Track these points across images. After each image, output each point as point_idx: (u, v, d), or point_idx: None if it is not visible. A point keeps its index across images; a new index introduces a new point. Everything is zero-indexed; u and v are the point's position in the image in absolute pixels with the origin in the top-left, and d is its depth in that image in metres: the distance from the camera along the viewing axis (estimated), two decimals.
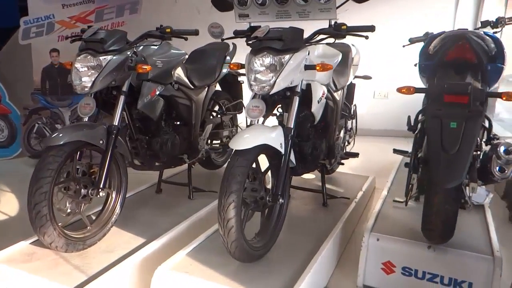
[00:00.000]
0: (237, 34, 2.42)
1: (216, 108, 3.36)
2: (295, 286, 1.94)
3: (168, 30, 2.37)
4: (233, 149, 1.98)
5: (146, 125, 2.64)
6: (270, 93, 2.08)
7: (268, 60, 2.05)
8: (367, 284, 2.34)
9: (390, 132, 5.13)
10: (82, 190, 2.20)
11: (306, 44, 2.15)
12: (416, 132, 2.50)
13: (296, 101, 2.17)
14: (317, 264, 2.18)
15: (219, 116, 3.30)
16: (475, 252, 2.17)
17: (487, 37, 2.02)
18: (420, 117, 2.25)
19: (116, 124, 2.29)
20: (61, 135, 2.08)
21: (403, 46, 2.99)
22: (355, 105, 3.19)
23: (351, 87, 3.16)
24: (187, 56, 2.79)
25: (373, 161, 4.31)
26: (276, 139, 2.05)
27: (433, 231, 2.04)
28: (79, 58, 2.22)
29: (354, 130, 3.32)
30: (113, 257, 2.25)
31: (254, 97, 2.27)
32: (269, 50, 2.06)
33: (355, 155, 2.89)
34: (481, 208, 2.71)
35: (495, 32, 2.56)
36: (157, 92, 2.54)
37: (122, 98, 2.33)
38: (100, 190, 2.23)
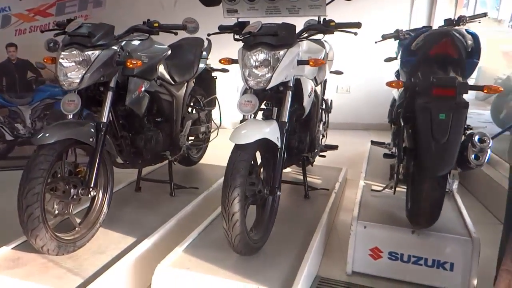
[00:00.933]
0: (223, 29, 2.42)
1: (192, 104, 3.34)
2: (297, 277, 2.00)
3: (156, 24, 2.33)
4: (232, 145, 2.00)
5: (130, 122, 2.57)
6: (266, 88, 2.11)
7: (263, 55, 2.09)
8: (356, 270, 2.45)
9: (351, 125, 5.34)
10: (72, 190, 2.12)
11: (298, 40, 2.21)
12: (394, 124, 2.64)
13: (289, 95, 2.22)
14: (312, 254, 2.25)
15: (195, 112, 3.28)
16: (455, 235, 2.34)
17: (467, 34, 2.17)
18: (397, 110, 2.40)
19: (105, 121, 2.22)
20: (51, 133, 1.98)
21: (375, 42, 3.14)
22: (331, 99, 3.30)
23: (324, 82, 3.27)
24: (170, 52, 2.75)
25: (337, 153, 4.46)
26: (273, 133, 2.09)
27: (421, 216, 2.18)
28: (64, 53, 2.12)
29: (327, 123, 3.43)
30: (105, 258, 2.19)
31: (245, 92, 2.30)
32: (263, 46, 2.09)
33: (335, 147, 2.99)
34: (450, 194, 2.92)
35: None
36: (143, 88, 2.49)
37: (110, 94, 2.26)
38: (90, 189, 2.16)
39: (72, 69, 2.12)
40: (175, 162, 3.06)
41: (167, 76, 2.77)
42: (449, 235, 2.34)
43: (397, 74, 3.28)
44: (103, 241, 2.34)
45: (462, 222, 2.51)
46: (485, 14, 3.07)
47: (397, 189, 2.96)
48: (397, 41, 3.43)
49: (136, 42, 2.50)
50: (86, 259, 2.16)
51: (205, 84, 3.41)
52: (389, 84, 2.16)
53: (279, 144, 2.13)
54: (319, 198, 3.02)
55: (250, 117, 2.21)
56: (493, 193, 3.29)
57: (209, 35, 2.49)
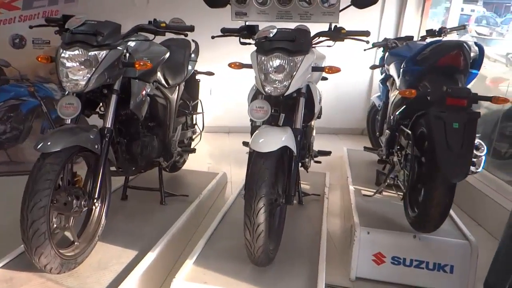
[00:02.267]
0: (228, 32, 2.35)
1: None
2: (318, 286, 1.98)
3: (163, 24, 2.20)
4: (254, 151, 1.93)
5: (127, 127, 2.42)
6: (285, 94, 2.07)
7: (280, 61, 2.04)
8: (360, 276, 2.47)
9: (322, 129, 5.27)
10: (74, 202, 1.94)
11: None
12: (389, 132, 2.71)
13: (302, 102, 2.20)
14: (323, 262, 2.25)
15: (183, 116, 3.16)
16: (453, 238, 2.44)
17: (474, 46, 2.27)
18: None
19: (109, 126, 2.07)
20: (56, 140, 1.80)
21: (364, 50, 3.20)
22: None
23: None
24: (168, 54, 2.61)
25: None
26: (291, 141, 2.05)
27: (429, 221, 2.24)
28: (69, 52, 1.94)
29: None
30: (109, 274, 2.03)
31: (255, 97, 2.25)
32: (280, 51, 2.05)
33: (328, 153, 3.01)
34: None
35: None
36: (145, 92, 2.34)
37: (114, 98, 2.10)
38: (95, 200, 2.00)
39: (76, 70, 1.95)
40: (167, 169, 2.92)
41: (162, 79, 2.64)
42: (449, 239, 2.43)
43: (382, 81, 3.37)
44: (103, 256, 2.18)
45: (456, 226, 2.62)
46: (464, 27, 3.24)
47: (385, 193, 3.05)
48: (381, 49, 3.53)
49: (133, 43, 2.35)
50: (89, 277, 2.00)
51: (190, 88, 3.29)
52: (402, 93, 2.20)
53: (295, 152, 2.09)
54: (312, 204, 3.03)
55: (261, 123, 2.16)
56: (468, 197, 3.46)
57: (213, 37, 2.39)
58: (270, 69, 2.05)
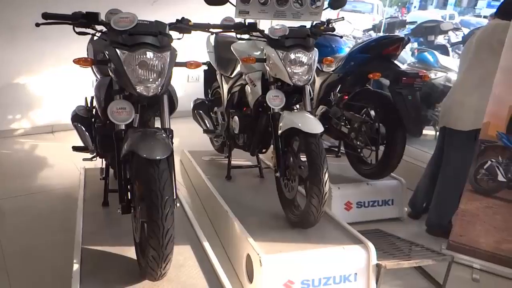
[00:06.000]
0: (229, 28, 2.53)
1: None
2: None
3: (191, 23, 2.23)
4: None
5: None
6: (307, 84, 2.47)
7: (304, 56, 2.42)
8: None
9: None
10: None
11: None
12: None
13: (309, 89, 2.62)
14: None
15: None
16: (392, 180, 3.33)
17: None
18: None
19: (168, 126, 2.06)
20: (158, 147, 1.76)
21: None
22: None
23: None
24: None
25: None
26: None
27: (389, 169, 3.04)
28: (140, 55, 1.83)
29: None
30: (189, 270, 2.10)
31: (270, 88, 2.56)
32: (301, 48, 2.42)
33: None
34: None
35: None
36: None
37: (165, 98, 2.07)
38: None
39: (148, 73, 1.88)
40: None
41: None
42: (389, 181, 3.32)
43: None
44: None
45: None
46: (343, 18, 4.13)
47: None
48: None
49: None
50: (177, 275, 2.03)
51: None
52: (371, 77, 2.90)
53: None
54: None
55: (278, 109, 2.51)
56: None
57: (212, 33, 2.53)
58: (293, 63, 2.41)
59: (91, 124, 2.96)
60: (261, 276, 2.14)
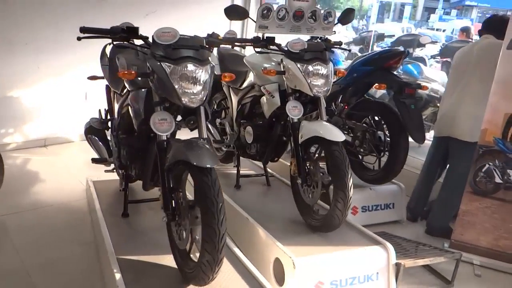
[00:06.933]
0: (249, 42, 2.67)
1: None
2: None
3: (220, 37, 2.34)
4: None
5: None
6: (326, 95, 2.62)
7: (323, 68, 2.57)
8: None
9: None
10: None
11: None
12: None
13: (323, 100, 2.77)
14: None
15: None
16: (391, 185, 3.53)
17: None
18: None
19: (206, 137, 2.14)
20: (208, 156, 1.85)
21: None
22: None
23: None
24: None
25: None
26: None
27: (393, 174, 3.23)
28: (184, 69, 1.92)
29: None
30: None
31: (289, 99, 2.69)
32: (319, 60, 2.58)
33: None
34: None
35: None
36: None
37: (202, 109, 2.16)
38: None
39: (194, 85, 1.96)
40: None
41: None
42: (389, 186, 3.51)
43: None
44: None
45: None
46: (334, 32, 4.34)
47: None
48: None
49: None
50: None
51: None
52: (377, 88, 3.09)
53: None
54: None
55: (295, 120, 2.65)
56: None
57: (232, 46, 2.64)
58: (312, 75, 2.55)
59: (105, 136, 2.98)
60: (294, 278, 2.25)
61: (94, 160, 2.86)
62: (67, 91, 4.52)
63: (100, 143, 2.94)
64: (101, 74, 3.10)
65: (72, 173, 3.97)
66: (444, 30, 21.68)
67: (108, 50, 3.00)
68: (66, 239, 2.87)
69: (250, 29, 5.54)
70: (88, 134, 2.99)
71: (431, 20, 28.71)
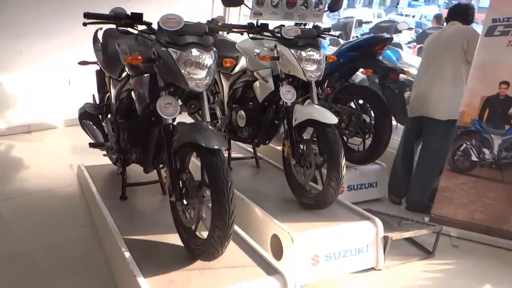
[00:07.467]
0: (243, 28, 2.75)
1: None
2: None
3: (219, 24, 2.41)
4: None
5: None
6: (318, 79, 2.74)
7: (316, 54, 2.69)
8: None
9: None
10: None
11: None
12: None
13: (314, 84, 2.89)
14: None
15: None
16: (375, 165, 3.72)
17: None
18: None
19: (208, 120, 2.23)
20: (216, 139, 1.94)
21: None
22: None
23: None
24: None
25: None
26: None
27: (378, 154, 3.41)
28: (192, 54, 2.00)
29: None
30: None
31: (282, 83, 2.80)
32: (311, 47, 2.69)
33: None
34: None
35: None
36: None
37: (205, 94, 2.24)
38: None
39: (198, 69, 2.04)
40: None
41: None
42: (372, 166, 3.70)
43: None
44: None
45: None
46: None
47: None
48: None
49: None
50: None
51: None
52: (363, 73, 3.23)
53: None
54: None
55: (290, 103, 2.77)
56: None
57: (228, 32, 2.72)
58: (308, 60, 2.66)
59: (100, 121, 3.02)
60: (292, 252, 2.39)
61: (91, 145, 2.90)
62: (51, 76, 4.48)
63: (95, 127, 2.97)
64: (89, 59, 3.12)
65: (58, 159, 3.97)
66: (413, 16, 22.19)
67: (100, 35, 3.00)
68: (63, 223, 2.91)
69: (232, 15, 5.60)
70: (83, 119, 3.02)
71: (400, 6, 29.24)
